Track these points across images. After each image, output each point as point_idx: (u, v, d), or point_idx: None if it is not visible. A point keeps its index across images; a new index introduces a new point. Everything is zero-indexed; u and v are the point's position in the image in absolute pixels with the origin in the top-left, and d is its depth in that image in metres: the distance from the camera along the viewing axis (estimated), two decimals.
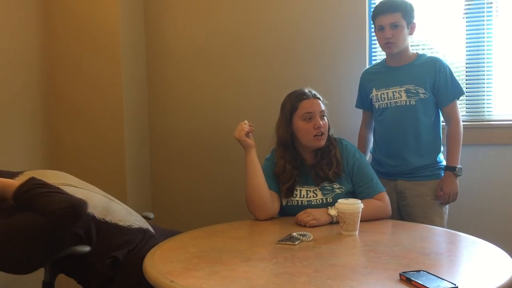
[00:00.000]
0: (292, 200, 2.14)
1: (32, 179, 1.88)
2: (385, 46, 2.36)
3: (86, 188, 2.09)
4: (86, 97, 2.94)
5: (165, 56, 3.13)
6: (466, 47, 2.73)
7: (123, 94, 2.89)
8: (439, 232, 1.97)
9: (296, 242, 1.72)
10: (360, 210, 1.82)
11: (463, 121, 2.39)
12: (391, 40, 2.32)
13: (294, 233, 1.79)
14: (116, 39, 2.87)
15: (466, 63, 2.74)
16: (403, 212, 2.42)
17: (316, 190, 2.12)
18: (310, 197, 2.12)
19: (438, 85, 2.33)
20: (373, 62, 2.81)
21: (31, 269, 1.85)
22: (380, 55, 2.81)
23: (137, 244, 1.95)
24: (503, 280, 1.34)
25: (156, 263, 1.56)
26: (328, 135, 2.14)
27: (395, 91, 2.38)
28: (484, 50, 2.69)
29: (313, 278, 1.38)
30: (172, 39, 3.12)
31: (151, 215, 2.44)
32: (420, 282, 1.27)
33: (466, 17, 2.72)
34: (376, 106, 2.45)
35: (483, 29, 2.69)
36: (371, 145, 2.60)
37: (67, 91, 2.97)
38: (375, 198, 2.10)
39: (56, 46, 2.95)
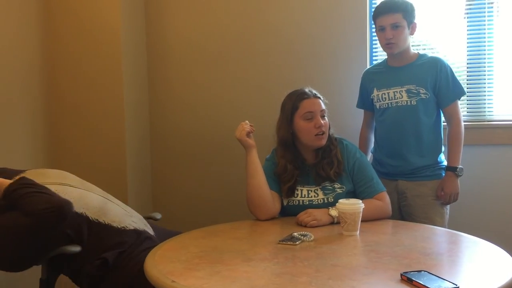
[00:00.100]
0: (293, 200, 2.13)
1: (21, 178, 1.90)
2: (386, 46, 2.36)
3: (84, 188, 2.09)
4: (87, 96, 2.95)
5: (166, 56, 3.13)
6: (467, 47, 2.73)
7: (124, 94, 2.89)
8: (440, 232, 1.97)
9: (297, 242, 1.72)
10: (361, 210, 1.82)
11: (464, 121, 2.39)
12: (392, 41, 2.31)
13: (295, 233, 1.79)
14: (117, 38, 2.87)
15: (467, 63, 2.74)
16: (404, 212, 2.42)
17: (317, 190, 2.12)
18: (311, 196, 2.12)
19: (439, 85, 2.33)
20: (374, 62, 2.81)
21: (22, 267, 1.89)
22: (381, 55, 2.81)
23: (130, 246, 1.94)
24: (505, 280, 1.34)
25: (157, 263, 1.56)
26: (329, 134, 2.14)
27: (396, 91, 2.37)
28: (485, 50, 2.69)
29: (314, 278, 1.38)
30: (173, 39, 3.12)
31: (158, 216, 2.44)
32: (421, 283, 1.27)
33: (467, 17, 2.72)
34: (377, 106, 2.45)
35: (484, 29, 2.69)
36: (372, 145, 2.60)
37: (68, 90, 2.97)
38: (375, 197, 2.09)
39: (57, 46, 2.95)
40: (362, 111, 2.63)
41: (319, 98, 2.14)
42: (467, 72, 2.74)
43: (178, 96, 3.13)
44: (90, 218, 1.95)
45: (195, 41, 3.08)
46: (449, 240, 1.87)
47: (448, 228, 2.22)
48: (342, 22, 2.82)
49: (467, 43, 2.72)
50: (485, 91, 2.71)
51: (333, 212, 1.97)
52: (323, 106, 2.13)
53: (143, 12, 3.13)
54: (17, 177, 1.95)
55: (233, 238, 1.85)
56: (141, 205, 3.02)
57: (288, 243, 1.72)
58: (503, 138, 2.65)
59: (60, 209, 1.79)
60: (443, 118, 2.42)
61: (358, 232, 1.82)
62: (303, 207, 2.07)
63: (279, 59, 2.94)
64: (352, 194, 2.13)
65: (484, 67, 2.70)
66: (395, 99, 2.38)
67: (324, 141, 2.10)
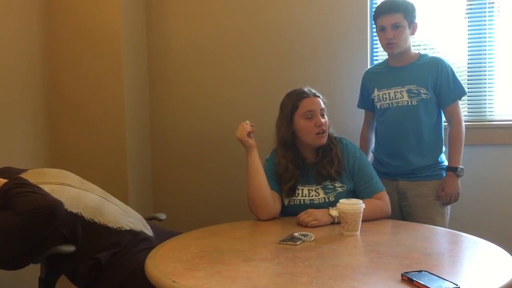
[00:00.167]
0: (294, 200, 2.14)
1: (16, 178, 1.93)
2: (386, 46, 2.36)
3: (83, 188, 2.10)
4: (87, 96, 2.95)
5: (166, 56, 3.13)
6: (468, 47, 2.73)
7: (125, 94, 2.90)
8: (441, 232, 1.97)
9: (298, 242, 1.72)
10: (362, 210, 1.81)
11: (464, 121, 2.39)
12: (393, 41, 2.31)
13: (296, 233, 1.79)
14: (118, 39, 2.87)
15: (468, 63, 2.73)
16: (404, 212, 2.41)
17: (318, 189, 2.12)
18: (312, 196, 2.12)
19: (440, 85, 2.33)
20: (375, 62, 2.81)
21: (16, 266, 1.91)
22: (381, 55, 2.80)
23: (125, 246, 1.94)
24: (505, 280, 1.33)
25: (158, 263, 1.56)
26: (328, 133, 2.14)
27: (397, 91, 2.37)
28: (486, 50, 2.69)
29: (314, 278, 1.38)
30: (173, 39, 3.12)
31: (162, 216, 2.44)
32: (422, 283, 1.27)
33: (468, 17, 2.72)
34: (378, 106, 2.45)
35: (485, 29, 2.69)
36: (373, 145, 2.59)
37: (68, 90, 2.98)
38: (375, 197, 2.10)
39: (57, 46, 2.96)
40: (363, 111, 2.63)
41: (319, 97, 2.15)
42: (468, 72, 2.74)
43: (179, 96, 3.13)
44: (86, 218, 1.95)
45: (196, 41, 3.08)
46: (449, 240, 1.87)
47: (449, 228, 2.22)
48: (342, 22, 2.82)
49: (468, 43, 2.72)
50: (485, 91, 2.71)
51: (334, 212, 1.97)
52: (323, 105, 2.13)
53: (143, 12, 3.13)
54: (27, 176, 1.98)
55: (234, 238, 1.85)
56: (142, 205, 3.02)
57: (289, 243, 1.72)
58: (503, 138, 2.65)
59: (50, 209, 1.81)
60: (444, 118, 2.42)
61: (358, 232, 1.82)
62: (304, 207, 2.07)
63: (280, 59, 2.94)
64: (353, 193, 2.13)
65: (485, 67, 2.70)
66: (395, 99, 2.38)
67: (325, 140, 2.11)
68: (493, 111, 2.71)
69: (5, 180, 1.89)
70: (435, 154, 2.38)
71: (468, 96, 2.67)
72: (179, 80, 3.13)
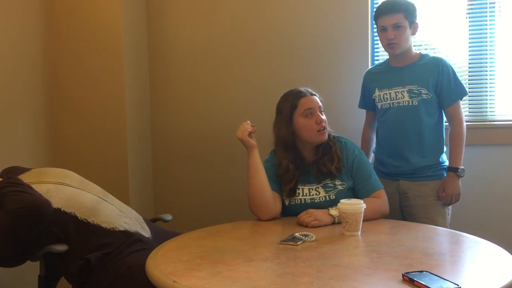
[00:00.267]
0: (295, 199, 2.14)
1: (9, 177, 1.95)
2: (388, 47, 2.36)
3: (81, 188, 2.10)
4: (88, 96, 2.95)
5: (167, 56, 3.13)
6: (469, 47, 2.72)
7: (125, 94, 2.90)
8: (441, 233, 1.96)
9: (299, 243, 1.72)
10: (363, 210, 1.81)
11: (466, 121, 2.38)
12: (394, 41, 2.31)
13: (297, 234, 1.79)
14: (119, 38, 2.87)
15: (469, 63, 2.73)
16: (405, 212, 2.41)
17: (318, 188, 2.13)
18: (313, 195, 2.12)
19: (440, 85, 2.32)
20: (376, 62, 2.81)
21: (12, 264, 1.95)
22: (382, 55, 2.80)
23: (117, 247, 1.94)
24: (506, 280, 1.33)
25: (158, 263, 1.56)
26: None
27: (398, 92, 2.37)
28: (487, 50, 2.69)
29: (315, 278, 1.38)
30: (174, 39, 3.12)
31: (168, 217, 2.43)
32: (422, 283, 1.27)
33: (469, 17, 2.72)
34: (379, 107, 2.45)
35: (486, 29, 2.69)
36: (374, 145, 2.59)
37: (70, 90, 2.98)
38: (373, 195, 2.10)
39: (59, 46, 2.96)
40: (364, 111, 2.63)
41: (315, 95, 2.16)
42: (469, 72, 2.74)
43: (179, 96, 3.13)
44: (79, 218, 1.96)
45: (196, 41, 3.08)
46: (450, 240, 1.87)
47: (450, 228, 2.22)
48: (343, 22, 2.82)
49: (469, 43, 2.72)
50: (486, 91, 2.71)
51: (333, 211, 1.97)
52: (320, 103, 2.14)
53: (144, 12, 3.13)
54: (31, 175, 2.02)
55: (235, 239, 1.85)
56: (142, 205, 3.02)
57: (290, 243, 1.72)
58: (504, 138, 2.65)
59: (38, 208, 1.83)
60: (445, 119, 2.42)
61: (359, 232, 1.82)
62: (304, 206, 2.08)
63: (281, 59, 2.94)
64: (353, 190, 2.14)
65: (486, 67, 2.70)
66: (396, 99, 2.38)
67: (326, 137, 2.12)
68: (494, 111, 2.71)
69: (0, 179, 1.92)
70: (436, 154, 2.38)
71: (469, 96, 2.67)
72: (180, 80, 3.13)
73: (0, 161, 2.46)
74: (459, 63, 2.75)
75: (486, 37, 2.69)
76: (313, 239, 1.76)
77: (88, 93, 2.95)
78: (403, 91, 2.36)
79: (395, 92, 2.38)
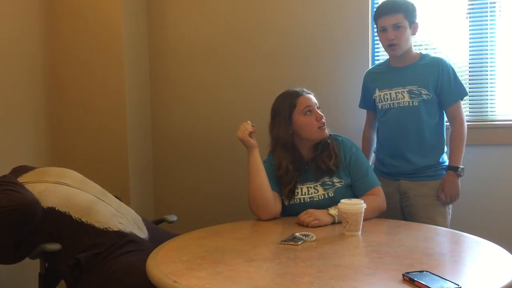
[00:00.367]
0: (295, 199, 2.14)
1: (3, 176, 1.98)
2: (388, 48, 2.35)
3: (80, 187, 2.11)
4: (89, 96, 2.95)
5: (167, 55, 3.13)
6: (470, 47, 2.72)
7: (126, 93, 2.90)
8: (442, 233, 1.96)
9: (299, 243, 1.72)
10: (363, 210, 1.81)
11: (466, 121, 2.38)
12: (394, 41, 2.31)
13: (297, 233, 1.79)
14: (119, 38, 2.87)
15: (469, 63, 2.73)
16: (406, 212, 2.41)
17: (317, 186, 2.13)
18: (312, 193, 2.13)
19: (441, 85, 2.32)
20: (376, 62, 2.81)
21: (8, 261, 1.98)
22: (382, 55, 2.80)
23: (108, 247, 1.94)
24: (507, 280, 1.33)
25: (159, 263, 1.56)
26: None
27: (398, 92, 2.37)
28: (487, 50, 2.69)
29: (316, 278, 1.38)
30: (175, 39, 3.12)
31: (172, 218, 2.43)
32: (423, 283, 1.27)
33: (469, 17, 2.72)
34: (379, 107, 2.45)
35: (486, 29, 2.68)
36: (375, 145, 2.59)
37: (70, 90, 2.98)
38: (371, 192, 2.11)
39: (59, 45, 2.96)
40: (364, 111, 2.63)
41: (310, 93, 2.18)
42: (469, 72, 2.74)
43: (180, 95, 3.13)
44: (73, 217, 1.97)
45: (197, 41, 3.08)
46: (451, 240, 1.87)
47: (450, 228, 2.22)
48: (344, 22, 2.82)
49: (469, 43, 2.72)
50: (487, 91, 2.71)
51: (333, 211, 1.97)
52: (316, 101, 2.17)
53: (145, 12, 3.13)
54: (34, 175, 2.05)
55: (235, 239, 1.85)
56: (143, 204, 3.03)
57: (290, 243, 1.72)
58: (505, 138, 2.65)
59: (24, 207, 1.84)
60: (446, 118, 2.42)
61: (360, 232, 1.82)
62: (304, 205, 2.09)
63: (281, 59, 2.94)
64: (351, 187, 2.15)
65: (486, 67, 2.70)
66: (397, 99, 2.37)
67: (326, 133, 2.13)
68: (494, 111, 2.71)
69: None
70: (436, 154, 2.38)
71: (469, 96, 2.67)
72: (180, 80, 3.13)
73: (0, 161, 2.47)
74: (460, 63, 2.75)
75: (487, 37, 2.69)
76: (313, 239, 1.76)
77: (89, 93, 2.95)
78: (403, 92, 2.36)
79: (396, 93, 2.38)
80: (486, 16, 2.68)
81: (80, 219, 1.97)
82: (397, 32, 2.30)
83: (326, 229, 1.91)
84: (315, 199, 2.11)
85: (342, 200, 1.85)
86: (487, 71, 2.70)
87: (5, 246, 1.89)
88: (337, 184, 2.12)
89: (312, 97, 2.17)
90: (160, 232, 2.20)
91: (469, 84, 2.71)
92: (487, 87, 2.70)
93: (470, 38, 2.72)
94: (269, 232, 1.98)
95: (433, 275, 1.33)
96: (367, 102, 2.56)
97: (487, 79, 2.70)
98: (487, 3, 2.67)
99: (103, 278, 1.85)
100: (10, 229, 1.84)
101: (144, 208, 2.98)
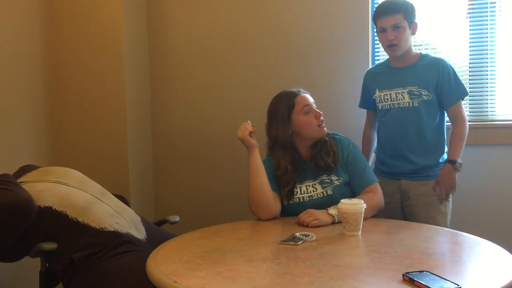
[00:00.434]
0: (294, 198, 2.14)
1: (1, 175, 1.96)
2: (388, 49, 2.35)
3: (79, 187, 2.12)
4: (89, 96, 2.95)
5: (167, 55, 3.14)
6: (470, 47, 2.72)
7: (126, 93, 2.90)
8: (442, 232, 1.96)
9: (299, 243, 1.72)
10: (363, 210, 1.81)
11: (468, 121, 2.37)
12: (394, 42, 2.30)
13: (297, 233, 1.79)
14: (119, 38, 2.87)
15: (470, 63, 2.73)
16: (406, 212, 2.41)
17: (315, 184, 2.14)
18: (311, 192, 2.13)
19: (441, 85, 2.31)
20: (376, 62, 2.80)
21: (6, 259, 2.00)
22: (382, 55, 2.80)
23: (103, 248, 1.94)
24: (507, 280, 1.33)
25: (159, 263, 1.56)
26: None
27: (398, 93, 2.37)
28: (487, 50, 2.69)
29: (316, 278, 1.38)
30: (175, 38, 3.12)
31: (174, 219, 2.43)
32: (423, 283, 1.27)
33: (470, 17, 2.72)
34: (380, 107, 2.45)
35: (487, 28, 2.68)
36: (375, 144, 2.59)
37: (70, 90, 2.98)
38: (368, 188, 2.12)
39: (59, 45, 2.96)
40: (364, 111, 2.63)
41: (306, 93, 2.20)
42: (469, 72, 2.73)
43: (180, 95, 3.13)
44: (70, 217, 1.97)
45: (197, 41, 3.08)
46: (451, 240, 1.87)
47: (451, 228, 2.22)
48: (344, 21, 2.82)
49: (470, 42, 2.72)
50: (487, 91, 2.71)
51: (332, 211, 1.98)
52: (313, 99, 2.19)
53: (145, 12, 3.13)
54: (37, 174, 2.08)
55: (235, 239, 1.85)
56: (143, 204, 3.03)
57: (290, 243, 1.72)
58: (505, 138, 2.65)
59: (17, 206, 1.85)
60: (446, 119, 2.41)
61: (360, 232, 1.82)
62: (303, 204, 2.09)
63: (281, 59, 2.94)
64: (349, 185, 2.16)
65: (487, 66, 2.70)
66: (397, 100, 2.37)
67: (325, 130, 2.15)
68: (494, 111, 2.71)
69: None
70: (437, 154, 2.38)
71: (469, 96, 2.66)
72: (180, 79, 3.13)
73: (0, 161, 2.47)
74: (460, 63, 2.75)
75: (487, 37, 2.69)
76: (313, 239, 1.76)
77: (89, 93, 2.95)
78: (403, 92, 2.35)
79: (396, 93, 2.37)
80: (486, 16, 2.68)
81: (76, 218, 1.97)
82: (396, 32, 2.29)
83: (326, 229, 1.91)
84: (314, 198, 2.12)
85: (342, 200, 1.85)
86: (487, 71, 2.70)
87: (1, 245, 1.90)
88: (335, 182, 2.13)
89: (309, 96, 2.18)
90: (159, 233, 2.20)
91: (469, 84, 2.71)
92: (487, 87, 2.70)
93: (470, 38, 2.72)
94: (269, 232, 1.98)
95: (433, 275, 1.33)
96: (367, 102, 2.56)
97: (487, 79, 2.70)
98: (487, 3, 2.67)
99: (95, 278, 1.86)
100: (4, 228, 1.85)
101: (144, 208, 2.98)
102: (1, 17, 2.58)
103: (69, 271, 1.88)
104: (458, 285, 1.26)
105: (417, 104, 2.33)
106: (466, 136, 2.32)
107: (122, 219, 2.10)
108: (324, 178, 2.14)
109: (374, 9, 2.43)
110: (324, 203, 2.07)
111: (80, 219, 1.98)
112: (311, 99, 2.17)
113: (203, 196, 3.12)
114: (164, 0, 3.11)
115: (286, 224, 2.04)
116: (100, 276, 1.84)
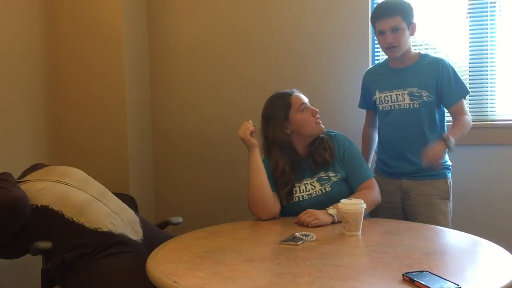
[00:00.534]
0: (293, 197, 2.15)
1: (1, 174, 1.98)
2: (388, 50, 2.34)
3: (79, 186, 2.12)
4: (89, 96, 2.95)
5: (167, 55, 3.14)
6: (470, 46, 2.72)
7: (126, 93, 2.90)
8: (442, 232, 1.96)
9: (299, 243, 1.72)
10: (363, 210, 1.81)
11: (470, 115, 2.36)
12: (394, 44, 2.29)
13: (297, 233, 1.79)
14: (119, 38, 2.87)
15: (470, 63, 2.73)
16: (407, 211, 2.41)
17: (313, 182, 2.15)
18: (309, 190, 2.14)
19: (441, 85, 2.31)
20: (376, 62, 2.80)
21: (5, 256, 2.03)
22: (382, 54, 2.79)
23: (95, 248, 1.93)
24: (507, 280, 1.33)
25: (159, 263, 1.56)
26: None
27: (398, 94, 2.36)
28: (487, 49, 2.69)
29: (316, 278, 1.38)
30: (175, 38, 3.12)
31: (177, 220, 2.43)
32: (423, 283, 1.27)
33: (470, 17, 2.72)
34: (380, 108, 2.44)
35: (487, 28, 2.68)
36: (375, 144, 2.59)
37: (70, 90, 2.98)
38: (364, 184, 2.14)
39: (59, 45, 2.96)
40: (364, 111, 2.62)
41: (299, 92, 2.23)
42: (469, 71, 2.73)
43: (180, 95, 3.14)
44: (65, 216, 1.97)
45: (197, 40, 3.08)
46: (451, 240, 1.87)
47: (451, 227, 2.22)
48: (344, 22, 2.82)
49: (469, 42, 2.72)
50: (487, 91, 2.70)
51: (332, 211, 1.98)
52: (307, 98, 2.22)
53: (145, 12, 3.13)
54: (42, 172, 2.11)
55: (235, 239, 1.85)
56: (143, 203, 3.02)
57: (290, 243, 1.72)
58: (505, 138, 2.64)
59: (10, 205, 1.85)
60: (447, 119, 2.41)
61: (360, 232, 1.82)
62: (302, 202, 2.11)
63: (281, 59, 2.94)
64: (347, 181, 2.17)
65: (487, 66, 2.70)
66: (397, 101, 2.36)
67: (323, 127, 2.17)
68: (494, 111, 2.71)
69: None
70: None
71: (469, 96, 2.65)
72: (180, 79, 3.13)
73: (0, 161, 2.47)
74: (460, 63, 2.75)
75: (487, 37, 2.68)
76: (313, 239, 1.76)
77: (89, 93, 2.95)
78: (404, 94, 2.35)
79: (396, 95, 2.37)
80: (486, 16, 2.68)
81: (72, 218, 1.97)
82: (395, 34, 2.28)
83: (326, 229, 1.92)
84: (313, 196, 2.13)
85: (342, 200, 1.85)
86: (487, 71, 2.70)
87: (0, 242, 1.91)
88: (333, 178, 2.14)
89: (302, 95, 2.21)
90: (157, 234, 2.19)
91: (469, 84, 2.71)
92: (487, 87, 2.70)
93: (470, 38, 2.72)
94: (269, 232, 1.98)
95: (433, 275, 1.33)
96: (367, 102, 2.56)
97: (487, 79, 2.70)
98: (487, 3, 2.67)
99: (82, 280, 1.85)
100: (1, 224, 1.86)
101: (144, 208, 2.98)
102: (1, 17, 2.58)
103: (61, 270, 1.88)
104: (458, 285, 1.26)
105: (417, 106, 2.32)
106: (467, 128, 2.28)
107: (118, 219, 2.09)
108: (322, 175, 2.15)
109: (372, 11, 2.42)
110: (323, 200, 2.08)
111: (75, 219, 1.98)
112: (305, 98, 2.20)
113: (203, 196, 3.12)
114: (164, 0, 3.11)
115: (286, 224, 2.04)
116: (87, 277, 1.84)
